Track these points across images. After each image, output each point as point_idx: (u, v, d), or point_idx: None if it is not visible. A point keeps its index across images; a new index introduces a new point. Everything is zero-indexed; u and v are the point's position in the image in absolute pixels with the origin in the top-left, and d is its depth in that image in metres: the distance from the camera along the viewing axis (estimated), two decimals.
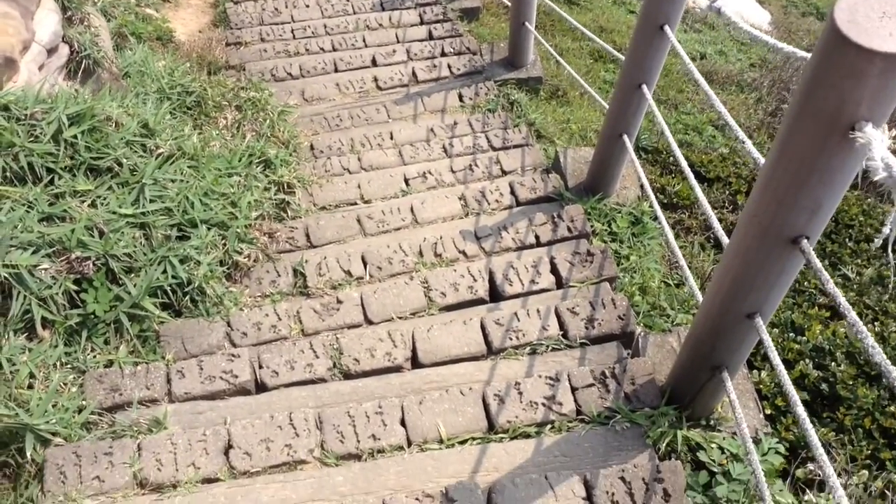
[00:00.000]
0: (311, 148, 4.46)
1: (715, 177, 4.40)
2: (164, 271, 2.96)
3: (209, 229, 3.20)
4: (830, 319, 3.33)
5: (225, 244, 3.23)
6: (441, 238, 3.44)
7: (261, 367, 2.67)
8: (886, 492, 2.48)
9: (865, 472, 2.56)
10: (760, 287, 1.91)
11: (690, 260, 3.74)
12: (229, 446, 2.34)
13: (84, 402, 2.53)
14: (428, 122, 4.67)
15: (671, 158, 4.60)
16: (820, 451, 1.58)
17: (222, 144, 3.90)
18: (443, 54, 5.36)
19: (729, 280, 1.99)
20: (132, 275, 2.94)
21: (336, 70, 5.35)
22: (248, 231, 3.39)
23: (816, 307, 3.38)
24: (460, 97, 4.90)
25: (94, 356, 2.74)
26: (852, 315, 1.51)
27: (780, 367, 1.84)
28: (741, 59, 7.24)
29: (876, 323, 3.29)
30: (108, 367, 2.70)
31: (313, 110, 4.91)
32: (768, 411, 2.83)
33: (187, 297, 2.98)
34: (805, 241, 1.74)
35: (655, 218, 3.96)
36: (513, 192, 3.78)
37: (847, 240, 3.87)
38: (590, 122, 5.16)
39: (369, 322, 3.00)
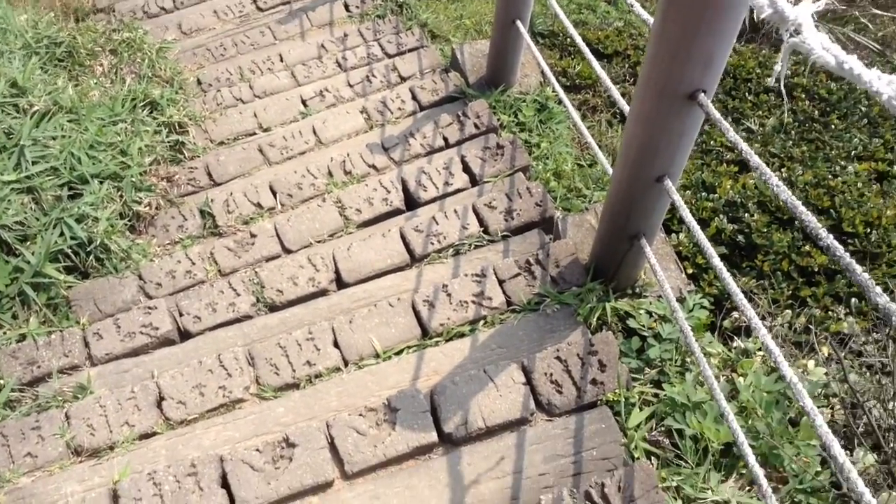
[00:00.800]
0: (199, 83, 4.24)
1: (613, 52, 4.37)
2: (62, 234, 2.80)
3: (101, 183, 3.03)
4: (739, 173, 3.40)
5: (122, 196, 3.07)
6: (348, 155, 3.34)
7: (181, 314, 2.58)
8: (809, 326, 2.59)
9: (788, 311, 2.67)
10: (665, 149, 1.91)
11: (599, 138, 3.74)
12: (161, 398, 2.27)
13: (1, 382, 2.41)
14: (317, 38, 4.48)
15: (568, 40, 4.54)
16: (740, 298, 1.61)
17: (102, 93, 3.66)
18: None
19: (634, 147, 1.98)
20: (28, 243, 2.77)
21: None
22: (145, 178, 3.22)
23: (725, 164, 3.44)
24: (346, 7, 4.69)
25: (4, 332, 2.60)
26: (755, 159, 1.52)
27: (694, 225, 1.86)
28: None
29: (783, 169, 3.38)
30: (21, 342, 2.57)
31: (194, 43, 4.65)
32: (690, 271, 2.90)
33: (91, 257, 2.84)
34: (702, 94, 1.73)
35: (560, 102, 3.93)
36: (414, 98, 3.68)
37: (747, 94, 3.93)
38: (483, 14, 5.03)
39: (287, 251, 2.92)
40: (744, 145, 1.55)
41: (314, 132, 3.60)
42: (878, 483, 1.81)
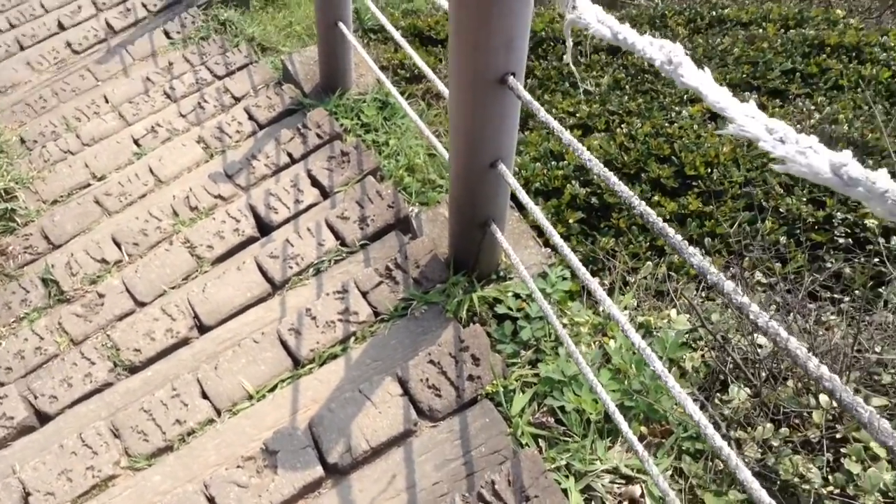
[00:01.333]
0: (22, 141, 3.95)
1: (446, 36, 4.36)
2: None
3: None
4: (583, 136, 3.46)
5: None
6: (191, 190, 3.20)
7: (35, 397, 2.40)
8: (671, 273, 2.67)
9: (649, 263, 2.73)
10: (490, 135, 1.90)
11: (447, 125, 3.72)
12: (27, 494, 2.10)
13: None
14: (141, 71, 4.26)
15: (400, 32, 4.50)
16: (577, 267, 1.62)
17: None
18: None
19: (461, 137, 1.96)
20: None
21: (22, 48, 4.72)
22: None
23: (569, 130, 3.50)
24: (167, 34, 4.49)
25: None
26: (566, 136, 1.51)
27: (531, 206, 1.85)
28: None
29: (623, 125, 3.46)
30: None
31: (11, 100, 4.33)
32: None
33: None
34: (511, 77, 1.72)
35: (403, 96, 3.89)
36: (251, 117, 3.55)
37: (580, 56, 4.00)
38: (314, 18, 4.93)
39: (141, 304, 2.76)
40: (555, 124, 1.54)
41: (151, 172, 3.42)
42: (751, 417, 1.87)
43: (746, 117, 0.88)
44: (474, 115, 1.85)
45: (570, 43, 1.32)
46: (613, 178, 1.33)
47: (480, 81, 1.74)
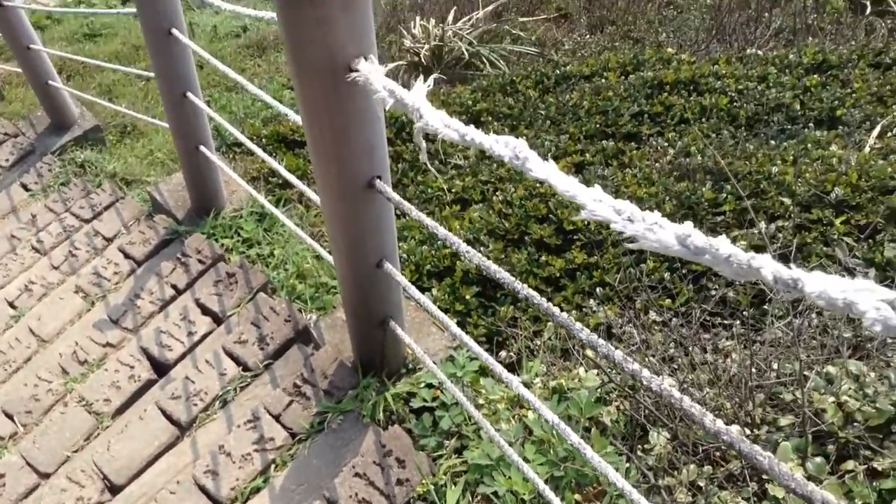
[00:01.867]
0: None
1: None
2: None
3: None
4: (462, 211, 3.55)
5: None
6: (77, 343, 3.06)
7: None
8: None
9: (550, 323, 2.79)
10: (369, 238, 1.92)
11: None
12: None
13: None
14: (4, 230, 4.08)
15: (264, 140, 4.53)
16: (478, 352, 1.64)
17: None
18: None
19: (342, 243, 1.97)
20: None
21: None
22: None
23: (447, 206, 3.58)
24: (25, 187, 4.34)
25: None
26: (441, 231, 1.55)
27: (422, 299, 1.87)
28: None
29: (497, 192, 3.57)
30: None
31: None
32: (457, 320, 2.96)
33: None
34: (378, 181, 1.75)
35: (279, 202, 3.90)
36: (127, 256, 3.46)
37: (442, 139, 4.12)
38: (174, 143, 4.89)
39: (45, 476, 2.59)
40: (428, 220, 1.58)
41: (32, 332, 3.26)
42: (675, 460, 1.92)
43: (595, 202, 0.93)
44: (350, 222, 1.87)
45: (423, 146, 1.37)
46: (494, 267, 1.37)
47: (349, 190, 1.77)
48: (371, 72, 1.44)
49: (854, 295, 0.60)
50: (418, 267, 3.22)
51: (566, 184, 0.99)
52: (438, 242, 3.34)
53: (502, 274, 1.35)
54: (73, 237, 3.76)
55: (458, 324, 2.95)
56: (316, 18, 1.40)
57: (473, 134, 1.20)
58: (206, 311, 2.97)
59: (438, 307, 3.00)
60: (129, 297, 3.20)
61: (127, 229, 3.70)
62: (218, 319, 2.94)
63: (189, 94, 3.08)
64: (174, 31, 2.88)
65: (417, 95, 1.32)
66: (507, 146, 1.12)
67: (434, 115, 1.27)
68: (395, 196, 1.70)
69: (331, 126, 1.63)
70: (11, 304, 3.49)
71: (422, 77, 1.40)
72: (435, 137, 1.35)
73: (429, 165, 1.39)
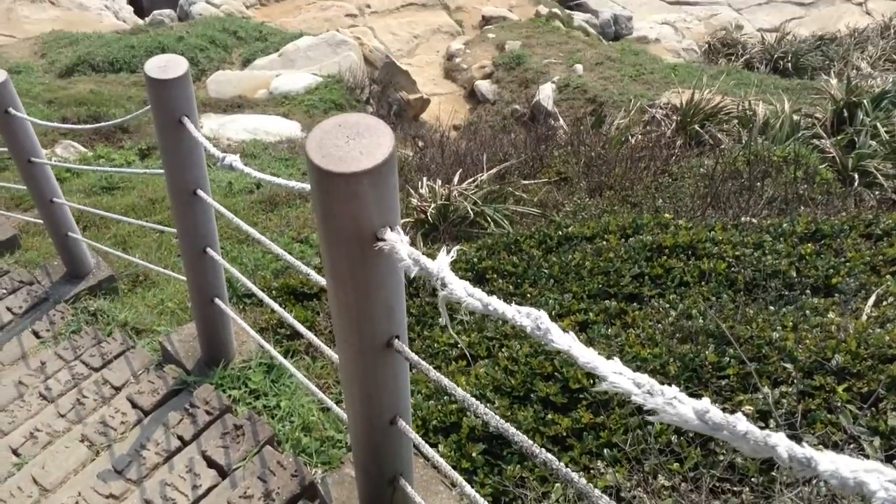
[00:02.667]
0: None
1: (319, 290, 4.54)
2: None
3: None
4: (468, 366, 3.60)
5: None
6: (80, 494, 3.02)
7: None
8: None
9: (558, 484, 2.78)
10: (384, 396, 1.97)
11: (336, 375, 3.77)
12: None
13: None
14: (12, 376, 4.10)
15: (274, 292, 4.64)
16: None
17: None
18: None
19: (357, 401, 2.02)
20: None
21: None
22: None
23: (453, 362, 3.63)
24: (36, 334, 4.40)
25: None
26: (459, 392, 1.61)
27: (436, 458, 1.90)
28: (292, 174, 7.67)
29: (503, 348, 3.63)
30: None
31: None
32: (464, 478, 2.94)
33: None
34: (396, 340, 1.83)
35: (287, 354, 3.95)
36: (135, 405, 3.47)
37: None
38: (185, 291, 5.00)
39: None
40: (446, 381, 1.64)
41: (35, 482, 3.21)
42: None
43: (615, 374, 1.01)
44: (366, 380, 1.92)
45: (445, 315, 1.45)
46: (512, 430, 1.42)
47: (368, 348, 1.84)
48: (396, 241, 1.56)
49: (864, 475, 0.66)
50: (424, 422, 3.23)
51: (587, 355, 1.06)
52: (445, 398, 3.37)
53: (520, 437, 1.40)
54: (81, 385, 3.78)
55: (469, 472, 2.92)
56: (347, 193, 1.52)
57: (496, 304, 1.29)
58: (211, 463, 2.96)
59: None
60: (135, 448, 3.19)
61: (136, 379, 3.73)
62: (223, 473, 2.92)
63: (209, 250, 3.22)
64: (199, 191, 3.05)
65: (441, 265, 1.42)
66: (528, 317, 1.20)
67: (458, 284, 1.37)
68: (413, 356, 1.77)
69: (354, 288, 1.73)
70: (15, 452, 3.47)
71: (444, 248, 1.51)
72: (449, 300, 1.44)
73: (452, 332, 1.47)
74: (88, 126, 4.05)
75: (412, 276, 1.48)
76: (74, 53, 13.23)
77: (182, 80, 2.80)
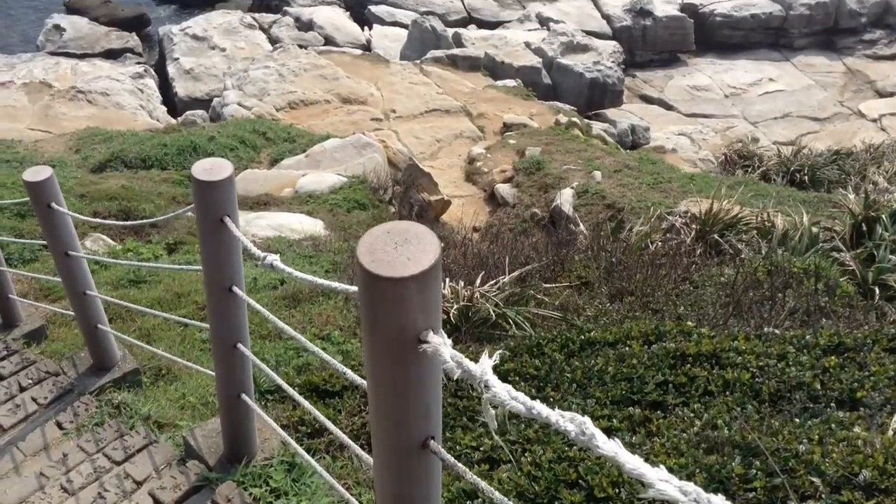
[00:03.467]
0: None
1: (341, 388, 4.56)
2: None
3: None
4: (491, 470, 3.57)
5: None
6: None
7: None
8: None
9: None
10: (415, 495, 1.98)
11: (355, 474, 3.76)
12: None
13: None
14: (33, 467, 4.11)
15: (297, 389, 4.66)
16: None
17: None
18: (21, 389, 4.84)
19: (388, 498, 2.03)
20: None
21: None
22: None
23: (475, 465, 3.61)
24: (59, 425, 4.42)
25: None
26: (497, 496, 1.63)
27: None
28: (315, 271, 7.79)
29: (526, 453, 3.61)
30: None
31: None
32: None
33: None
34: (432, 441, 1.86)
35: (308, 452, 3.94)
36: (157, 501, 3.46)
37: (470, 388, 4.25)
38: (207, 386, 5.03)
39: None
40: (483, 484, 1.67)
41: None
42: None
43: (661, 481, 1.04)
44: (400, 480, 1.94)
45: (491, 419, 1.49)
46: None
47: (403, 448, 1.87)
48: (440, 344, 1.62)
49: None
50: None
51: (633, 462, 1.10)
52: (468, 502, 3.34)
53: None
54: (103, 479, 3.78)
55: None
56: (394, 297, 1.60)
57: (539, 408, 1.33)
58: None
59: None
60: None
61: (158, 474, 3.73)
62: None
63: (239, 345, 3.28)
64: (234, 287, 3.15)
65: (485, 368, 1.47)
66: (573, 422, 1.24)
67: (501, 387, 1.42)
68: (449, 457, 1.79)
69: (394, 388, 1.78)
70: None
71: (487, 351, 1.57)
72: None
73: (496, 437, 1.50)
74: (128, 223, 4.21)
75: (454, 378, 1.54)
76: (108, 149, 13.68)
77: (226, 182, 2.94)
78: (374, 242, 1.65)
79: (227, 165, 2.99)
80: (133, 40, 25.20)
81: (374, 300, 1.64)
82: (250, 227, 10.20)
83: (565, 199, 12.34)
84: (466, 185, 15.30)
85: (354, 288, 1.90)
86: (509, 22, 26.28)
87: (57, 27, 24.50)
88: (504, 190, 14.08)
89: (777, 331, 4.58)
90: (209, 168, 2.94)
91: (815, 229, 7.91)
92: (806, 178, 14.19)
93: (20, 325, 5.69)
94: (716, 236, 8.06)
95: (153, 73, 22.21)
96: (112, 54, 23.99)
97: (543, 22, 25.27)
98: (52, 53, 23.26)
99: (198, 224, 3.06)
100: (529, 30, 24.97)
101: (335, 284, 2.06)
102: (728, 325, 5.06)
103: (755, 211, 8.68)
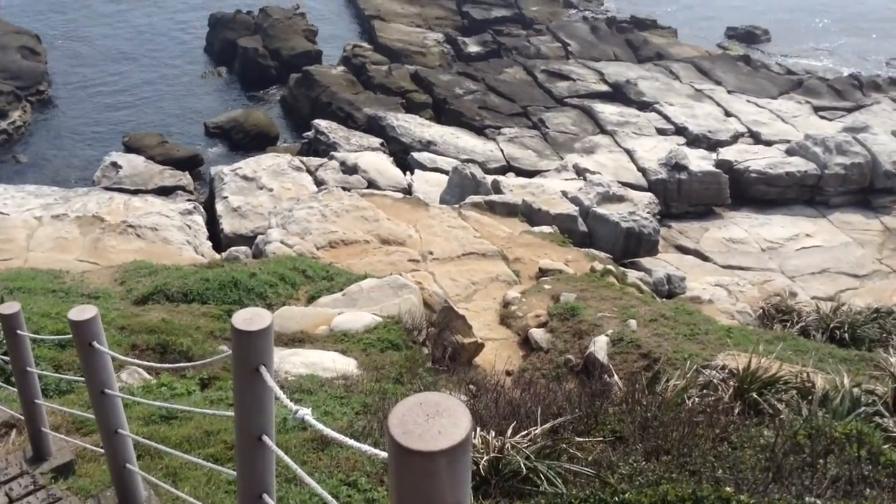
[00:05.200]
0: None
1: None
2: None
3: None
4: None
5: None
6: None
7: None
8: None
9: None
10: None
11: None
12: None
13: None
14: None
15: None
16: None
17: None
18: None
19: None
20: None
21: None
22: None
23: None
24: None
25: None
26: None
27: None
28: (346, 412, 7.75)
29: None
30: None
31: None
32: None
33: None
34: None
35: None
36: None
37: None
38: None
39: None
40: None
41: None
42: None
43: None
44: None
45: None
46: None
47: None
48: None
49: None
50: None
51: None
52: None
53: None
54: None
55: None
56: (424, 471, 1.60)
57: None
58: None
59: None
60: None
61: None
62: None
63: (265, 496, 3.25)
64: (265, 437, 3.16)
65: None
66: None
67: None
68: None
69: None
70: None
71: None
72: None
73: None
74: (167, 366, 4.27)
75: None
76: (152, 283, 14.04)
77: (264, 333, 3.01)
78: (406, 414, 1.67)
79: (266, 316, 3.07)
80: (185, 178, 26.34)
81: (403, 472, 1.65)
82: (284, 363, 10.24)
83: (600, 346, 12.24)
84: (500, 328, 15.29)
85: (384, 454, 1.91)
86: (547, 171, 27.00)
87: (114, 164, 25.80)
88: (538, 335, 14.02)
89: (819, 501, 4.38)
90: (249, 318, 3.02)
91: (856, 391, 7.69)
92: (846, 335, 13.92)
93: (50, 458, 5.70)
94: (754, 394, 7.87)
95: (202, 209, 23.11)
96: (164, 191, 25.04)
97: (580, 172, 25.92)
98: (107, 188, 24.37)
99: (234, 372, 3.11)
100: (566, 179, 25.60)
101: (365, 448, 2.07)
102: (768, 491, 4.85)
103: (794, 370, 8.50)
